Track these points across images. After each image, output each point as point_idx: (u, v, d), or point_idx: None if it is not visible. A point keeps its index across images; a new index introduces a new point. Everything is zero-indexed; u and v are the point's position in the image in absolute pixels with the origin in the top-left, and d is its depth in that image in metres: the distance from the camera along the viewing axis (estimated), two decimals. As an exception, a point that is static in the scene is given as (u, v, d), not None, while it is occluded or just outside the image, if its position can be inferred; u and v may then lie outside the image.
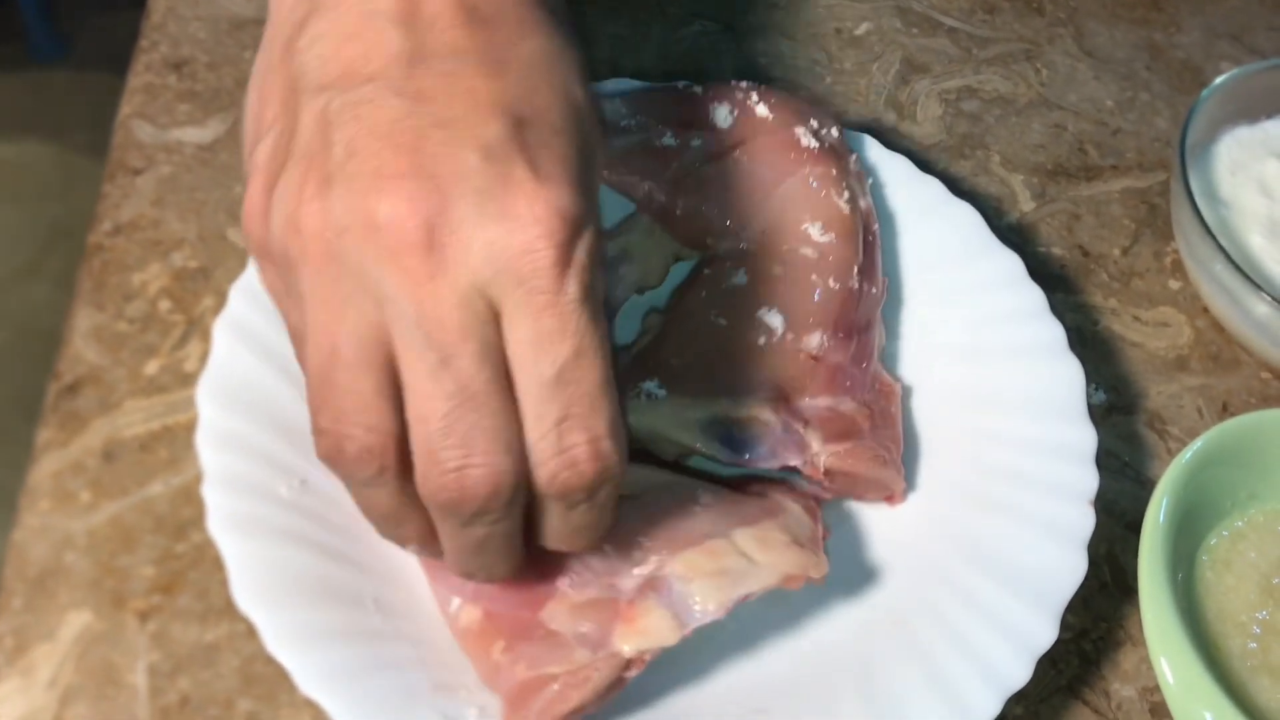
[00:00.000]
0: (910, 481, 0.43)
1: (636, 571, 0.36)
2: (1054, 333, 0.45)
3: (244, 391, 0.40)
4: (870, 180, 0.48)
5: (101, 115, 0.54)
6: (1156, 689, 0.42)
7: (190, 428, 0.39)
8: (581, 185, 0.30)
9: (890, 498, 0.42)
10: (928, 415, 0.45)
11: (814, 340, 0.42)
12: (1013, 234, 0.54)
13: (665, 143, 0.46)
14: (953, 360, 0.45)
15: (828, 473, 0.40)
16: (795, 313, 0.43)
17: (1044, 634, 0.38)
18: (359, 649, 0.36)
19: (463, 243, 0.28)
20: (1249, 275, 0.46)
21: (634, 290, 0.43)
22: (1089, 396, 0.45)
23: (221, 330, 0.41)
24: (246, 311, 0.41)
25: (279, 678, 0.37)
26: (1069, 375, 0.44)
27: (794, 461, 0.40)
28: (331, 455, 0.30)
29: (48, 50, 1.48)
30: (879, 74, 0.59)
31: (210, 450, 0.38)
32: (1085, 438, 0.43)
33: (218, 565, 0.38)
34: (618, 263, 0.43)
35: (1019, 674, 0.38)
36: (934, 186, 0.49)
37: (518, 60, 0.30)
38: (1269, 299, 0.46)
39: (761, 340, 0.42)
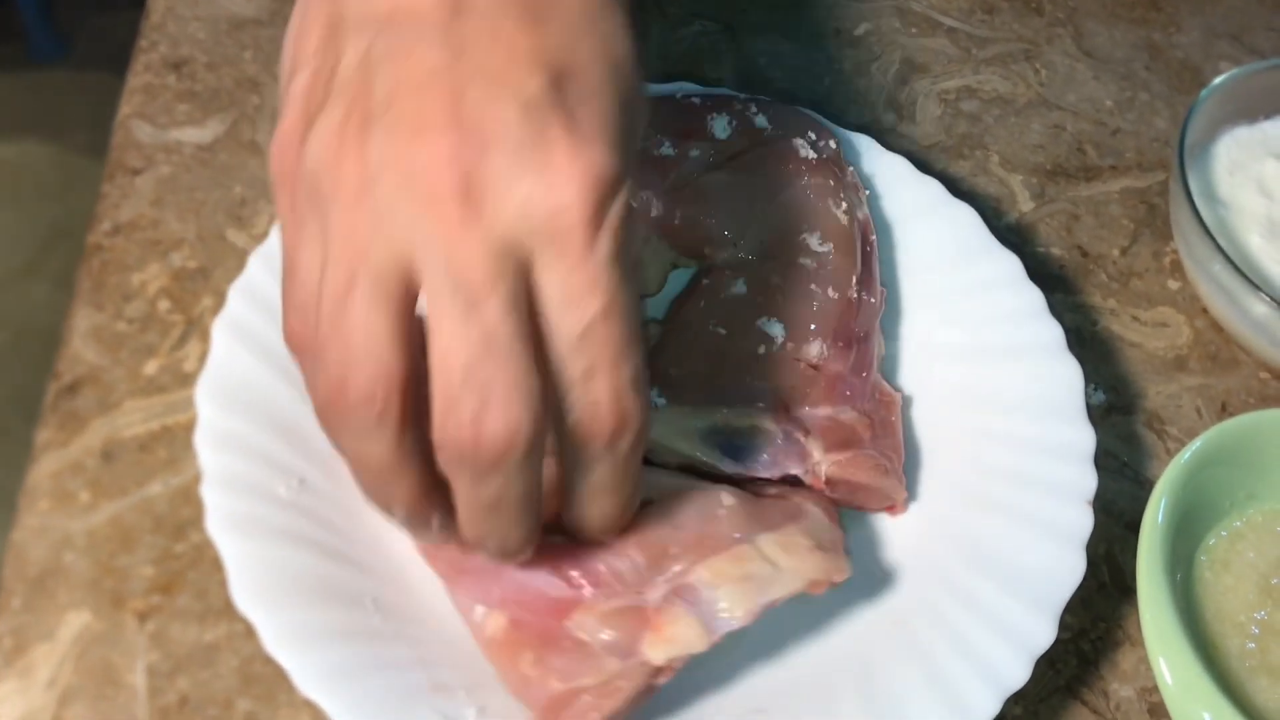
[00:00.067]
0: (910, 484, 0.43)
1: (662, 579, 0.36)
2: (1053, 333, 0.45)
3: (243, 392, 0.40)
4: (868, 189, 0.48)
5: (101, 115, 0.55)
6: (1155, 689, 0.42)
7: (189, 428, 0.39)
8: (619, 144, 0.30)
9: (892, 508, 0.42)
10: (926, 416, 0.45)
11: (814, 349, 0.42)
12: (1012, 234, 0.54)
13: (663, 152, 0.47)
14: (951, 361, 0.45)
15: (829, 482, 0.40)
16: (795, 322, 0.43)
17: (1043, 634, 0.38)
18: (358, 649, 0.36)
19: (498, 196, 0.28)
20: (1247, 275, 0.46)
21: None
22: (1088, 396, 0.45)
23: (220, 330, 0.41)
24: (245, 312, 0.42)
25: (278, 678, 0.37)
26: (1068, 375, 0.44)
27: (795, 470, 0.40)
28: (331, 396, 0.29)
29: (47, 50, 1.48)
30: (878, 74, 0.59)
31: (209, 450, 0.38)
32: (1084, 438, 0.43)
33: (217, 565, 0.38)
34: None
35: (1018, 674, 0.38)
36: (933, 187, 0.49)
37: (560, 13, 0.30)
38: (1267, 299, 0.46)
39: (761, 349, 0.42)
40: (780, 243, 0.44)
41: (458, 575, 0.37)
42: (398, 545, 0.39)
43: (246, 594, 0.36)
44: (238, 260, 0.47)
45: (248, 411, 0.40)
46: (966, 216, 0.48)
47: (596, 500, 0.33)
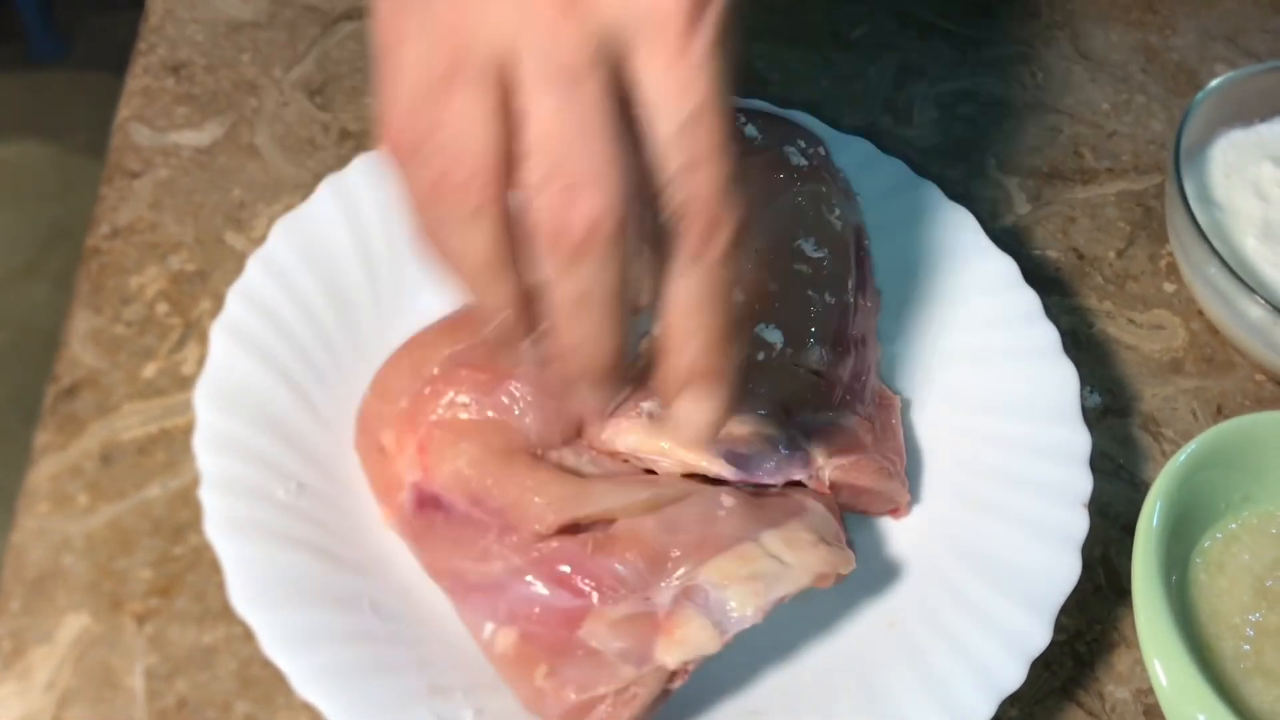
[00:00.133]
0: (909, 487, 0.43)
1: (669, 582, 0.36)
2: (1048, 335, 0.45)
3: (241, 395, 0.40)
4: (864, 192, 0.48)
5: (101, 116, 0.55)
6: (1150, 691, 0.42)
7: (188, 431, 0.39)
8: None
9: (895, 511, 0.42)
10: (922, 418, 0.45)
11: (813, 355, 0.42)
12: (1008, 237, 0.54)
13: None
14: (948, 363, 0.46)
15: (833, 486, 0.40)
16: (793, 328, 0.43)
17: (1038, 636, 0.39)
18: (356, 651, 0.36)
19: None
20: (1243, 278, 0.46)
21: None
22: (1084, 399, 0.45)
23: (219, 334, 0.41)
24: (244, 315, 0.42)
25: (276, 680, 0.37)
26: (1063, 378, 0.44)
27: (799, 476, 0.40)
28: (435, 187, 0.30)
29: (47, 51, 1.48)
30: (875, 77, 0.59)
31: (208, 453, 0.38)
32: (1079, 440, 0.43)
33: (215, 568, 0.38)
34: None
35: (1013, 676, 0.38)
36: (929, 190, 0.49)
37: None
38: (1263, 302, 0.46)
39: (761, 356, 0.42)
40: (775, 250, 0.44)
41: (465, 592, 0.37)
42: (395, 548, 0.39)
43: (245, 596, 0.36)
44: (236, 263, 0.47)
45: (246, 415, 0.40)
46: (963, 219, 0.48)
47: (692, 319, 0.32)
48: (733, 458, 0.39)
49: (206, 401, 0.39)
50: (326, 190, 0.45)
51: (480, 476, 0.38)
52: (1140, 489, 0.47)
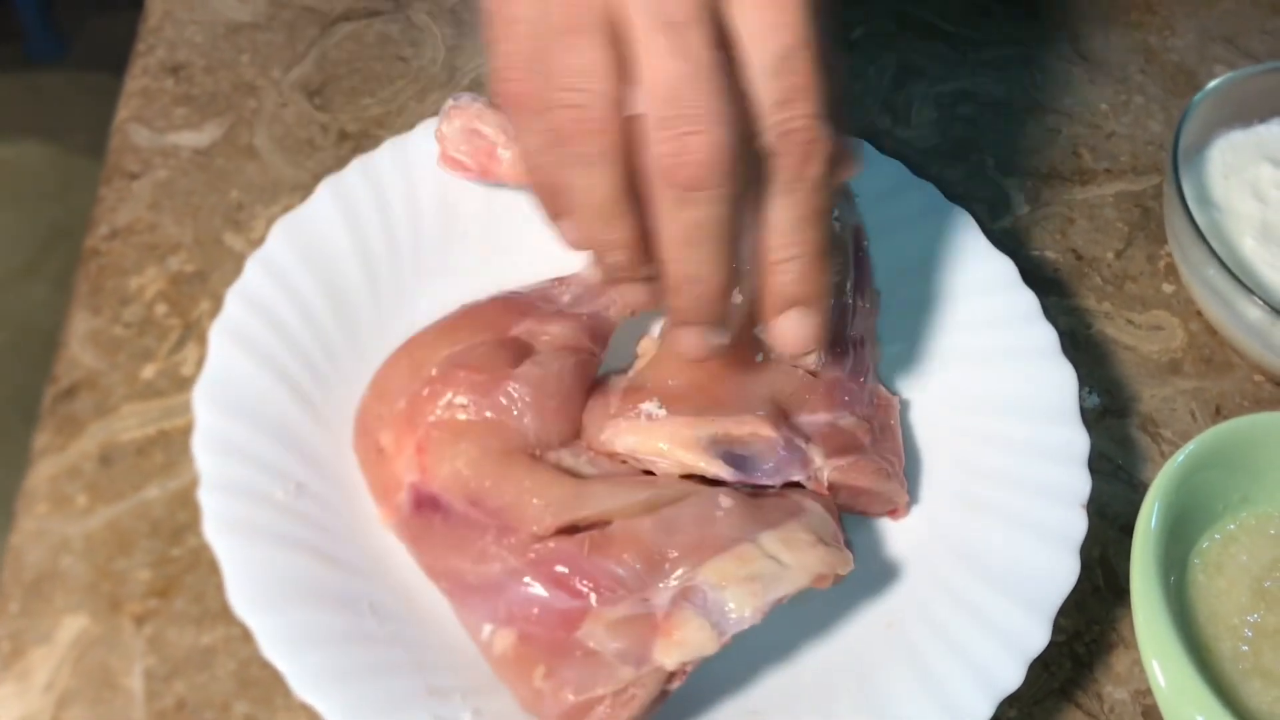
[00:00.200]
0: (908, 488, 0.43)
1: (667, 583, 0.36)
2: (1047, 336, 0.45)
3: (240, 396, 0.40)
4: (863, 193, 0.48)
5: (100, 116, 0.55)
6: (1148, 692, 0.42)
7: (187, 432, 0.39)
8: None
9: (894, 511, 0.42)
10: (921, 419, 0.45)
11: (811, 356, 0.42)
12: (1006, 238, 0.54)
13: None
14: (946, 364, 0.46)
15: (831, 487, 0.40)
16: None
17: (1036, 637, 0.39)
18: (354, 652, 0.36)
19: None
20: (1241, 279, 0.46)
21: (626, 313, 0.43)
22: (1082, 400, 0.46)
23: (218, 335, 0.41)
24: (243, 316, 0.42)
25: (275, 681, 0.37)
26: (1062, 379, 0.44)
27: (797, 477, 0.40)
28: (569, 126, 0.33)
29: (46, 51, 1.48)
30: (874, 77, 0.59)
31: (206, 454, 0.38)
32: (1078, 441, 0.43)
33: (214, 569, 0.38)
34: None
35: (1012, 677, 0.38)
36: (928, 191, 0.49)
37: None
38: (1261, 303, 0.46)
39: (759, 357, 0.42)
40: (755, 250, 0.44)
41: (463, 594, 0.37)
42: (394, 549, 0.39)
43: (243, 598, 0.36)
44: (235, 264, 0.47)
45: (245, 416, 0.40)
46: (961, 220, 0.48)
47: (794, 234, 0.35)
48: (731, 459, 0.39)
49: (205, 403, 0.40)
50: (325, 191, 0.45)
51: (478, 477, 0.38)
52: (1139, 490, 0.47)
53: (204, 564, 0.41)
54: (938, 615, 0.40)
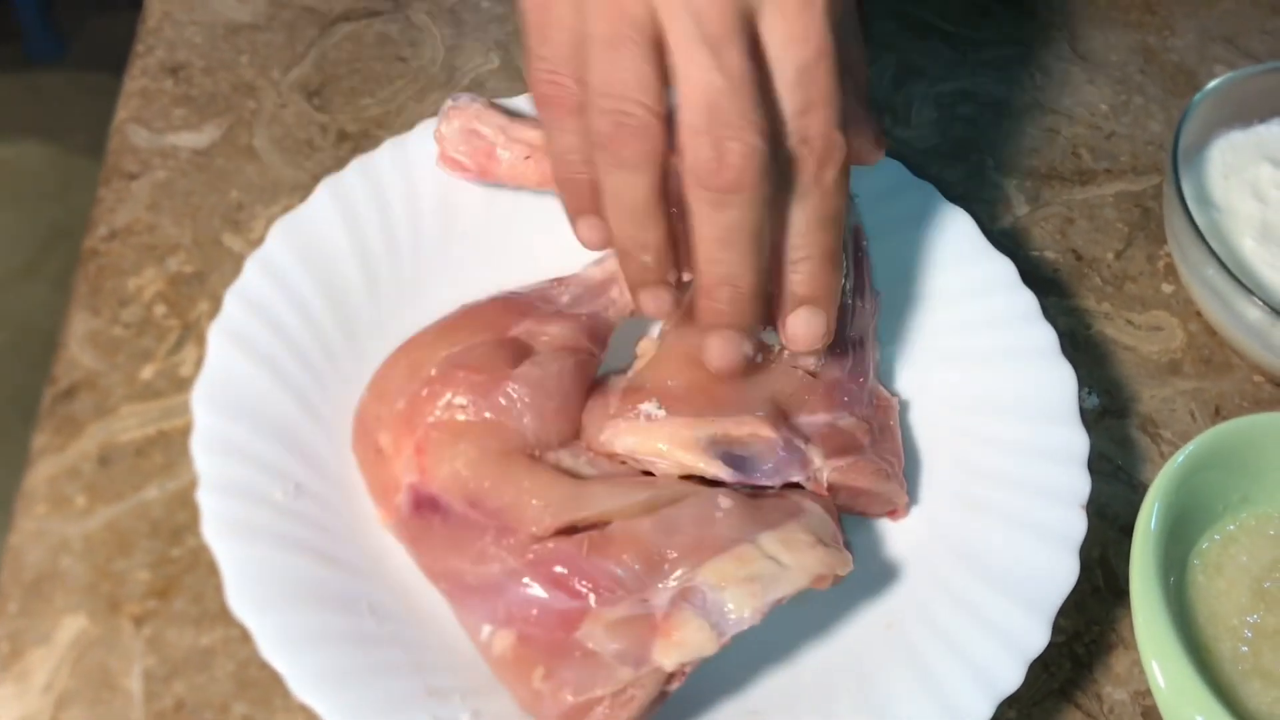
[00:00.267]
0: (907, 489, 0.43)
1: (666, 584, 0.36)
2: (1046, 337, 0.45)
3: (239, 396, 0.40)
4: (862, 194, 0.48)
5: (100, 116, 0.55)
6: (1148, 693, 0.42)
7: (185, 433, 0.39)
8: None
9: (893, 512, 0.42)
10: (920, 420, 0.45)
11: (811, 357, 0.42)
12: (1006, 238, 0.54)
13: None
14: (946, 365, 0.46)
15: (831, 488, 0.40)
16: None
17: (1036, 637, 0.39)
18: (353, 653, 0.36)
19: None
20: (1240, 280, 0.46)
21: (626, 312, 0.43)
22: (1082, 400, 0.46)
23: (217, 335, 0.41)
24: (241, 317, 0.42)
25: (273, 682, 0.37)
26: (1061, 379, 0.44)
27: (797, 477, 0.40)
28: (612, 131, 0.36)
29: (45, 51, 1.48)
30: (874, 78, 0.59)
31: (205, 455, 0.38)
32: (1077, 441, 0.43)
33: (213, 570, 0.38)
34: (607, 285, 0.43)
35: (1011, 678, 0.38)
36: (928, 191, 0.49)
37: None
38: (1260, 303, 0.46)
39: (759, 358, 0.42)
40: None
41: (462, 595, 0.37)
42: (393, 549, 0.39)
43: (242, 598, 0.36)
44: (234, 265, 0.47)
45: (244, 416, 0.40)
46: (961, 220, 0.48)
47: (814, 233, 0.38)
48: (730, 459, 0.39)
49: (204, 403, 0.39)
50: (324, 191, 0.45)
51: (478, 478, 0.38)
52: (1138, 490, 0.47)
53: (203, 565, 0.41)
54: (937, 616, 0.40)
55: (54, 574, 0.40)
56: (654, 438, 0.39)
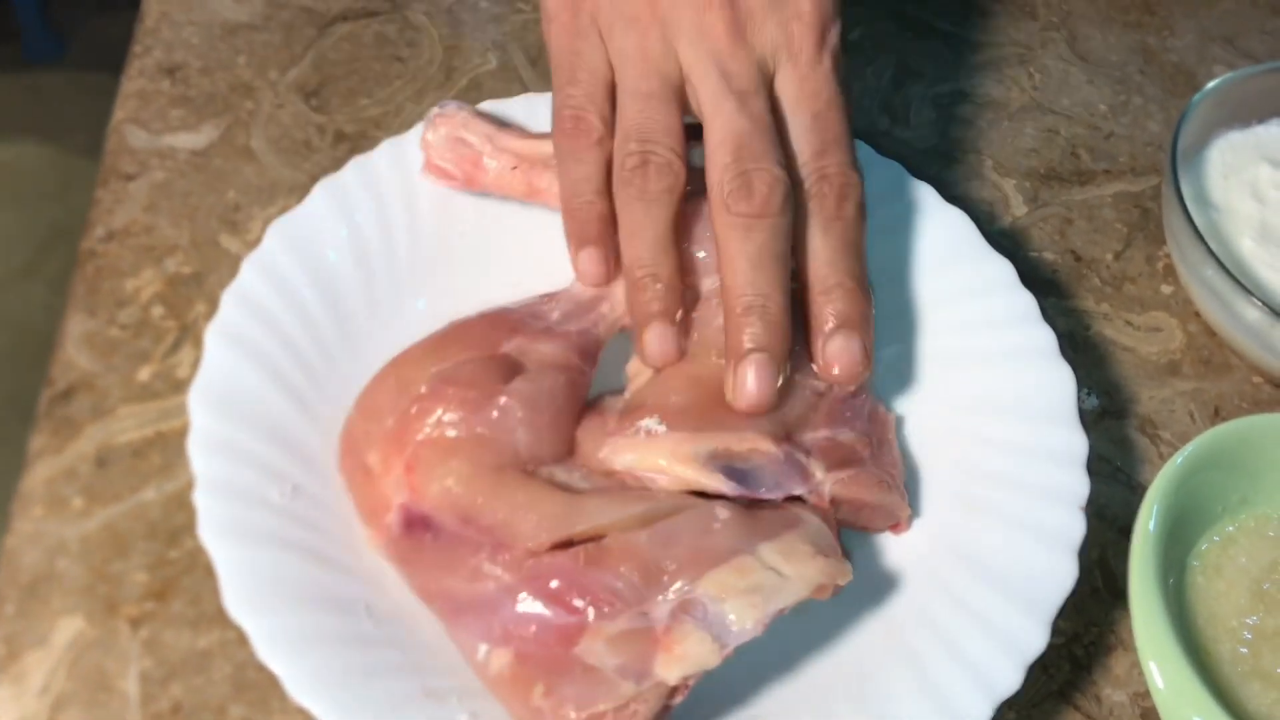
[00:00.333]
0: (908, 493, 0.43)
1: (665, 596, 0.35)
2: (1045, 338, 0.45)
3: (236, 398, 0.40)
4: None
5: (99, 116, 0.55)
6: (1147, 694, 0.42)
7: (183, 434, 0.39)
8: None
9: (896, 526, 0.42)
10: (919, 421, 0.45)
11: (810, 372, 0.42)
12: (1005, 239, 0.54)
13: None
14: (944, 366, 0.46)
15: (833, 501, 0.40)
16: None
17: (1035, 639, 0.38)
18: (350, 655, 0.36)
19: (757, 26, 0.41)
20: (1239, 280, 0.46)
21: (615, 329, 0.43)
22: (1081, 401, 0.45)
23: (214, 337, 0.41)
24: (239, 318, 0.42)
25: (271, 684, 0.37)
26: (1060, 380, 0.44)
27: (799, 490, 0.39)
28: (638, 165, 0.40)
29: (44, 51, 1.48)
30: (872, 78, 0.59)
31: (202, 456, 0.38)
32: (1076, 443, 0.43)
33: (210, 572, 0.38)
34: (596, 301, 0.43)
35: (1010, 679, 0.38)
36: (926, 192, 0.49)
37: None
38: (1259, 304, 0.46)
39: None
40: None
41: (457, 614, 0.36)
42: (391, 551, 0.39)
43: (239, 600, 0.36)
44: (231, 266, 0.47)
45: (241, 418, 0.40)
46: (959, 221, 0.48)
47: (835, 269, 0.41)
48: (732, 473, 0.38)
49: (201, 404, 0.39)
50: (321, 192, 0.45)
51: (470, 494, 0.37)
52: (1137, 491, 0.47)
53: (200, 567, 0.40)
54: (936, 617, 0.40)
55: (51, 576, 0.40)
56: (654, 453, 0.39)
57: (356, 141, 0.52)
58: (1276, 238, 0.51)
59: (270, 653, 0.35)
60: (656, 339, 0.41)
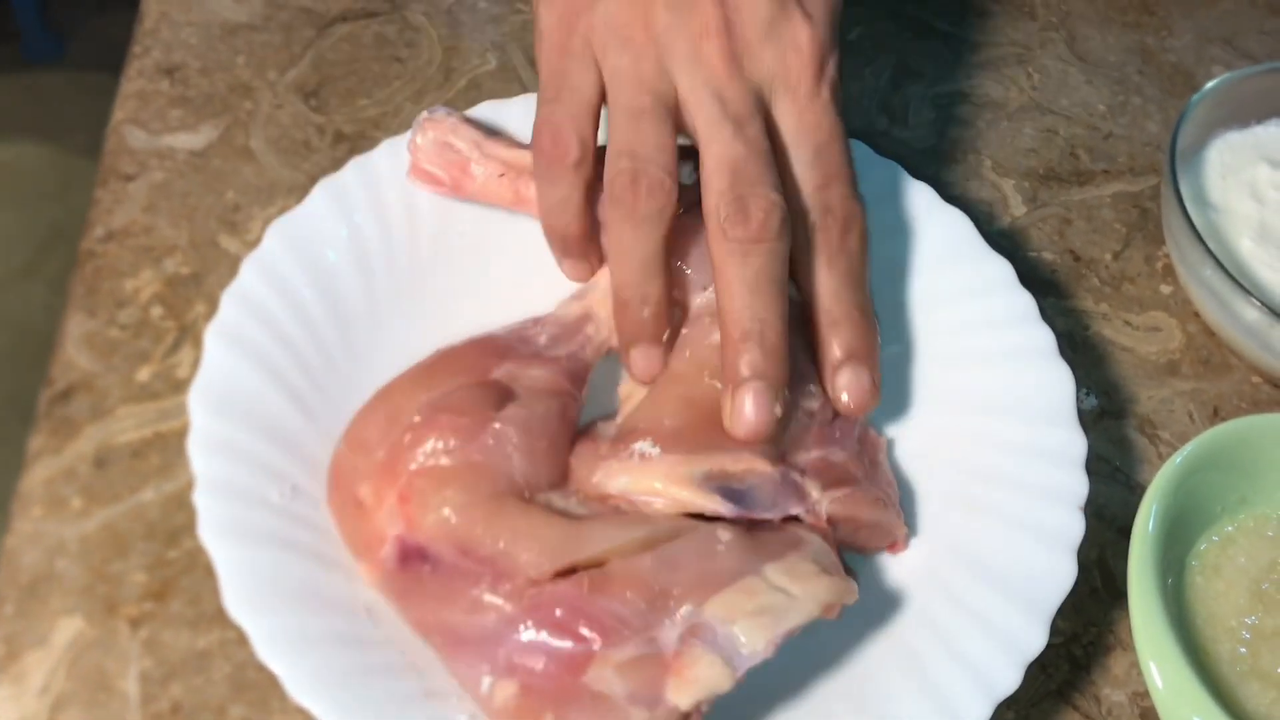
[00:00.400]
0: (903, 489, 0.43)
1: (673, 620, 0.35)
2: (1044, 338, 0.45)
3: (235, 398, 0.40)
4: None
5: (98, 116, 0.55)
6: (1146, 694, 0.42)
7: (182, 434, 0.39)
8: (833, 24, 0.43)
9: (893, 545, 0.42)
10: (917, 421, 0.45)
11: (808, 393, 0.42)
12: (1004, 239, 0.54)
13: None
14: (943, 366, 0.46)
15: (830, 520, 0.39)
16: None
17: (1034, 639, 0.38)
18: (350, 655, 0.36)
19: (754, 56, 0.41)
20: (1238, 280, 0.46)
21: (602, 351, 0.43)
22: (1080, 401, 0.45)
23: (213, 337, 0.41)
24: (238, 318, 0.42)
25: (270, 684, 0.37)
26: (1059, 380, 0.44)
27: (796, 510, 0.39)
28: (629, 184, 0.39)
29: (44, 51, 1.48)
30: (871, 78, 0.59)
31: (202, 456, 0.38)
32: (1075, 443, 0.43)
33: (210, 572, 0.38)
34: (582, 323, 0.43)
35: (1009, 679, 0.38)
36: (925, 192, 0.49)
37: None
38: (1258, 304, 0.46)
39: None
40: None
41: (457, 648, 0.35)
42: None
43: (238, 600, 0.36)
44: (230, 266, 0.47)
45: (240, 418, 0.40)
46: (958, 221, 0.48)
47: (839, 288, 0.41)
48: (728, 493, 0.38)
49: (201, 405, 0.39)
50: (321, 193, 0.45)
51: (468, 524, 0.36)
52: (1136, 491, 0.47)
53: (200, 567, 0.40)
54: (934, 618, 0.40)
55: (50, 576, 0.40)
56: (649, 476, 0.38)
57: (356, 142, 0.52)
58: (1275, 238, 0.51)
59: (270, 653, 0.35)
60: (643, 357, 0.41)
